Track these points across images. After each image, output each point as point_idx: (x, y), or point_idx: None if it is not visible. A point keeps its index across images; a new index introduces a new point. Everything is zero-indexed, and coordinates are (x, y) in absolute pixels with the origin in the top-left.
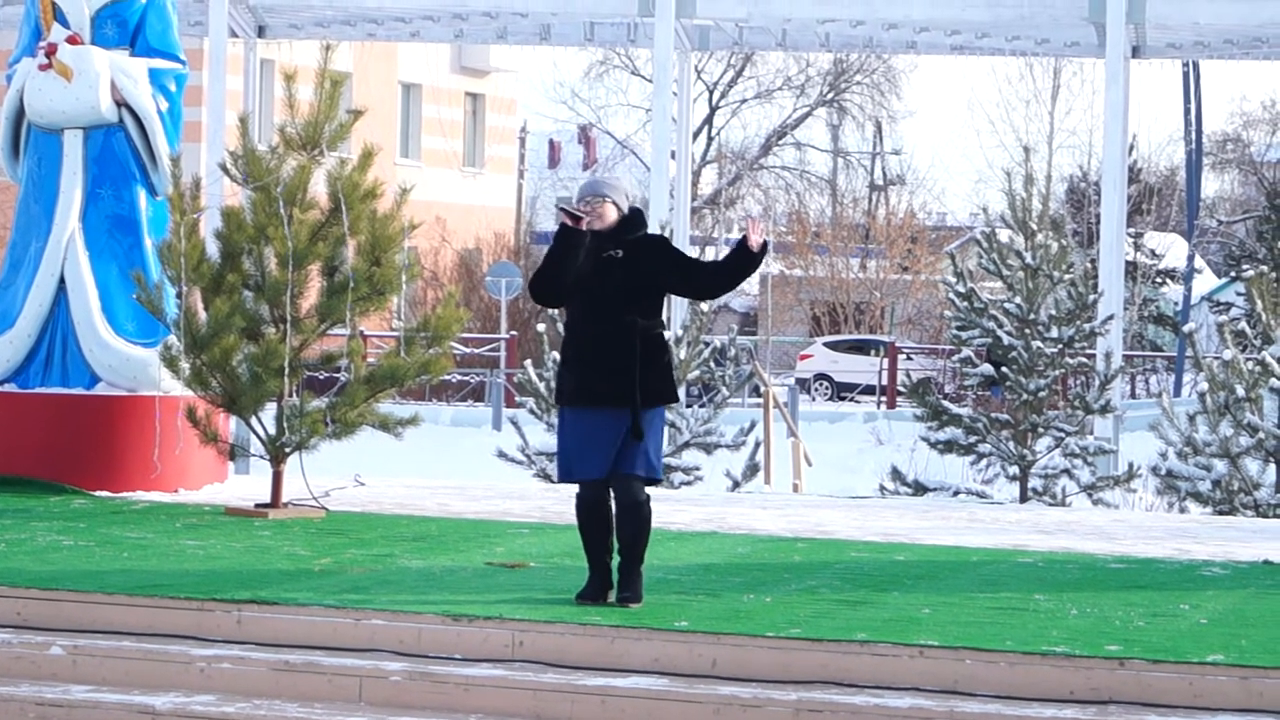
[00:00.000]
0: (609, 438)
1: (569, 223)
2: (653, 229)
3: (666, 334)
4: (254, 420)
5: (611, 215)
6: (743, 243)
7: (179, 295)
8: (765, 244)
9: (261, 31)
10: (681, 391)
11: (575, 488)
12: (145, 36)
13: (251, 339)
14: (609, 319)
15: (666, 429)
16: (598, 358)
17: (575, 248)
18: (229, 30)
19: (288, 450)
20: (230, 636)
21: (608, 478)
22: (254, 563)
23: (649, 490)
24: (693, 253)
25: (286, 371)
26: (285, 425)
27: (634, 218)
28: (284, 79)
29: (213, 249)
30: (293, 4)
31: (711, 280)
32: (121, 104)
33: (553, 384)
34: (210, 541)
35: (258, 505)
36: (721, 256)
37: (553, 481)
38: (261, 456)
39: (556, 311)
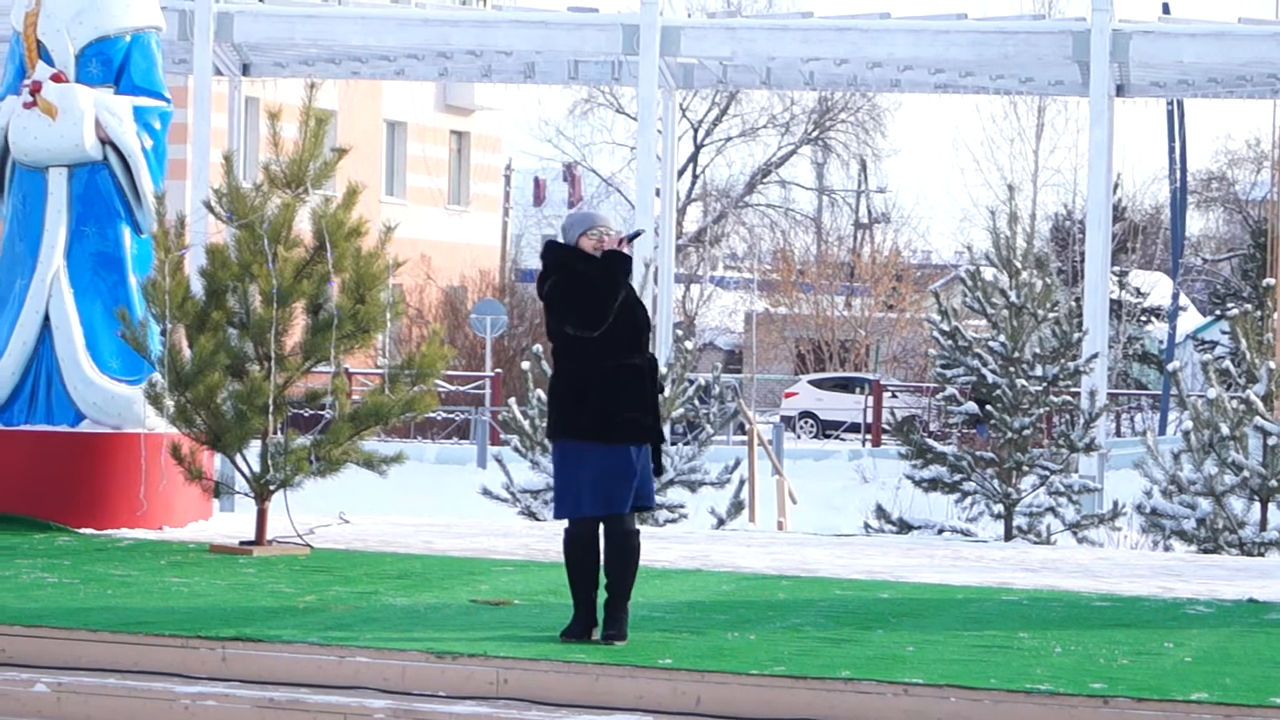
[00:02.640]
0: (633, 471)
1: (627, 251)
2: (637, 267)
3: None
4: (238, 458)
5: None
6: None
7: (163, 332)
8: None
9: (246, 70)
10: (666, 429)
11: (560, 524)
12: (130, 74)
13: (236, 376)
14: (631, 353)
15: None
16: (625, 393)
17: (628, 273)
18: (214, 68)
19: (272, 488)
20: (215, 674)
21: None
22: (238, 600)
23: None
24: (677, 291)
25: (271, 409)
26: (270, 463)
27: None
28: (268, 117)
29: (197, 286)
30: (277, 42)
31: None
32: (106, 142)
33: (539, 422)
34: (195, 579)
35: (242, 543)
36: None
37: (538, 519)
38: (246, 494)
39: (540, 348)
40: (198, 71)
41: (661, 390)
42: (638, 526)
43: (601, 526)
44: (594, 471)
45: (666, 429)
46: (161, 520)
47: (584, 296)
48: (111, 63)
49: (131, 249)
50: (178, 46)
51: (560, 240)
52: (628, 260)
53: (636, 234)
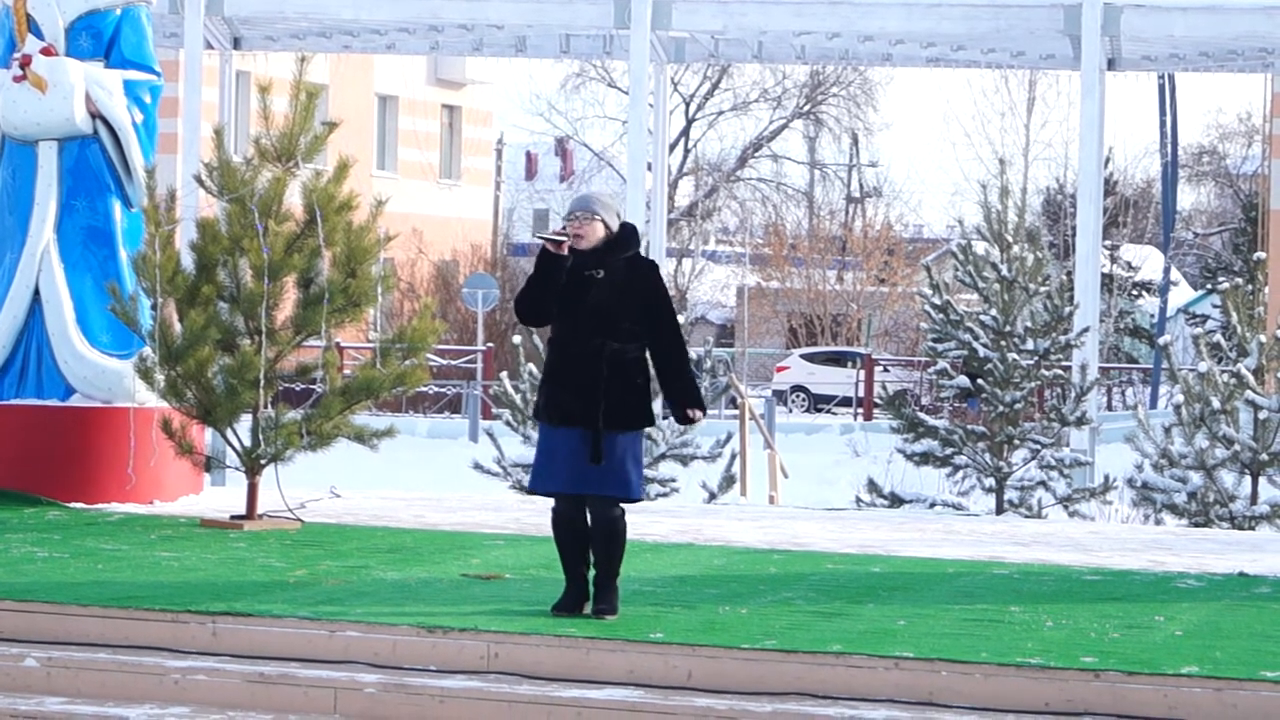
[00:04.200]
0: (572, 456)
1: (550, 249)
2: None
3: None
4: (229, 432)
5: (598, 233)
6: (680, 409)
7: (154, 307)
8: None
9: (237, 43)
10: (658, 405)
11: (551, 500)
12: (120, 48)
13: (227, 351)
14: (580, 340)
15: (644, 441)
16: (568, 378)
17: (555, 273)
18: (204, 42)
19: (263, 462)
20: (205, 648)
21: (578, 493)
22: (229, 574)
23: (626, 507)
24: (669, 265)
25: (262, 383)
26: (260, 437)
27: (623, 238)
28: (259, 91)
29: (188, 261)
30: (268, 16)
31: (655, 358)
32: (96, 116)
33: (529, 396)
34: (185, 553)
35: (233, 517)
36: (663, 372)
37: (529, 493)
38: (237, 468)
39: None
40: (188, 45)
41: (629, 381)
42: (621, 510)
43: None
44: (539, 449)
45: (658, 405)
46: (152, 494)
47: (526, 287)
48: (102, 36)
49: (122, 223)
50: (168, 20)
51: None
52: (552, 260)
53: (613, 242)
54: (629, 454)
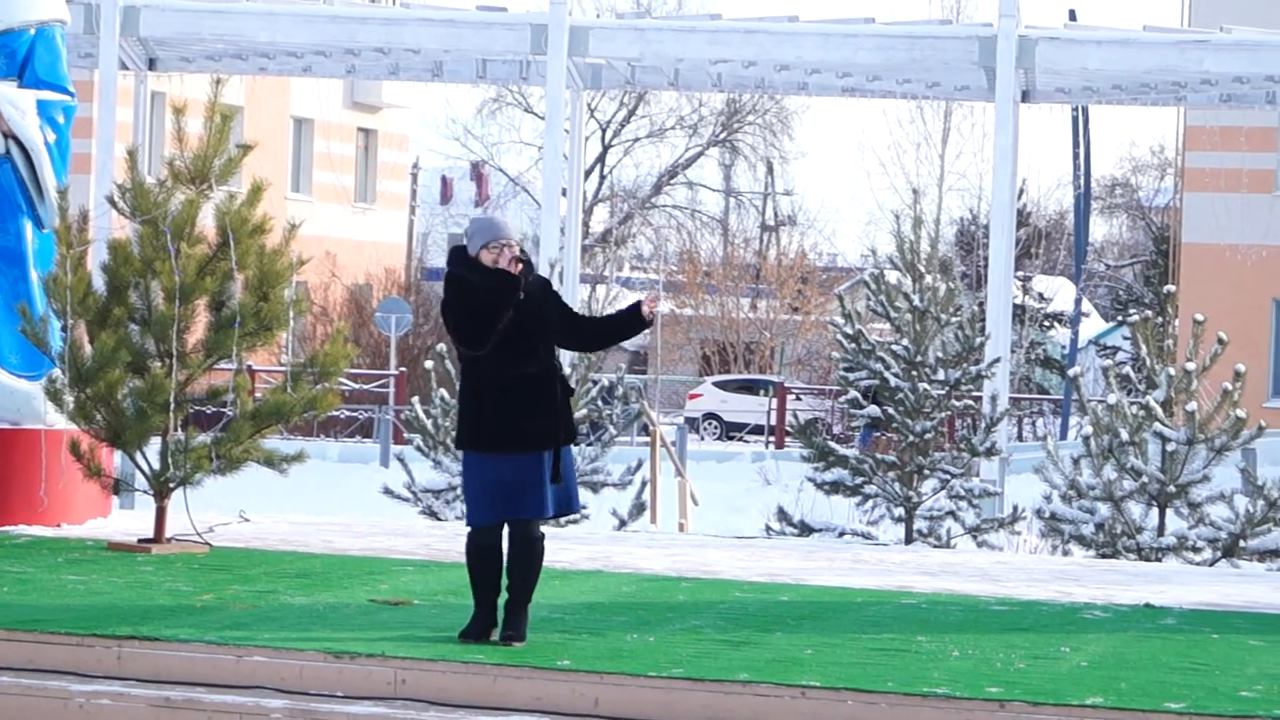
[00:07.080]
0: (537, 478)
1: (514, 271)
2: (543, 269)
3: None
4: (138, 455)
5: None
6: (636, 309)
7: (64, 328)
8: (652, 318)
9: (152, 64)
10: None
11: (462, 526)
12: (34, 68)
13: (137, 373)
14: (530, 362)
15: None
16: (523, 401)
17: (514, 297)
18: (119, 62)
19: (172, 485)
20: (110, 673)
21: (537, 518)
22: (136, 598)
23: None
24: (583, 292)
25: (172, 406)
26: (170, 460)
27: (528, 259)
28: (174, 112)
29: (99, 282)
30: (184, 37)
31: (595, 335)
32: (8, 135)
33: (441, 422)
34: (92, 577)
35: (141, 540)
36: (604, 313)
37: (439, 519)
38: (145, 491)
39: (444, 347)
40: (103, 66)
41: (571, 393)
42: (542, 532)
43: (506, 530)
44: (498, 480)
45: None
46: (60, 517)
47: (469, 315)
48: (15, 56)
49: (33, 244)
50: (83, 40)
51: (465, 244)
52: (516, 282)
53: (526, 263)
54: (572, 468)
